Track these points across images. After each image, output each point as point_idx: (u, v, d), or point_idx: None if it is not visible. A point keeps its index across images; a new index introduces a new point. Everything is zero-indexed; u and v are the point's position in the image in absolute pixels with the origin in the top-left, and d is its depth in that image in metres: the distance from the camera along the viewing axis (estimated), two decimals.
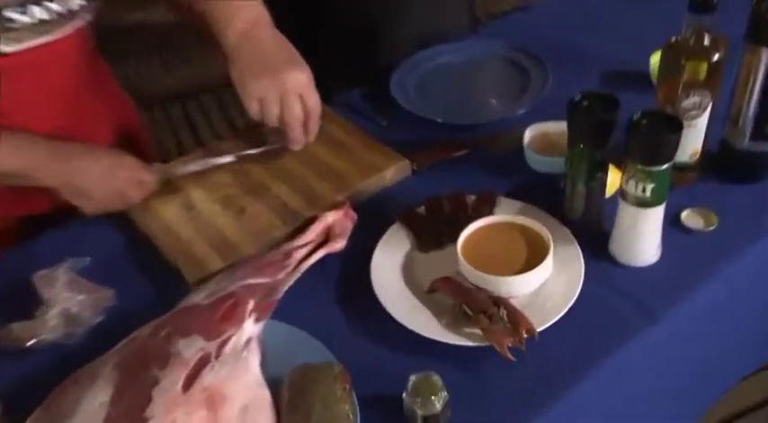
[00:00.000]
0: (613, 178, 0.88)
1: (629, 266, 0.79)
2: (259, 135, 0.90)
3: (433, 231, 0.91)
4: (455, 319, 0.74)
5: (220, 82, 1.12)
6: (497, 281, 0.75)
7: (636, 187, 0.74)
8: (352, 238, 0.81)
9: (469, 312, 0.77)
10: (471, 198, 0.94)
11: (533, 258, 0.82)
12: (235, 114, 1.16)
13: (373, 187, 0.99)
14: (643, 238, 0.78)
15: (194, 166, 0.91)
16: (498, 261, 0.77)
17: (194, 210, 0.86)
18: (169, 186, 0.87)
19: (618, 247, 0.79)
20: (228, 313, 0.67)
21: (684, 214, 0.87)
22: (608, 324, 0.74)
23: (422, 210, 0.94)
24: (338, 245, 0.81)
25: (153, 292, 0.85)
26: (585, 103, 0.74)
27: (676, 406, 0.87)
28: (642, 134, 0.70)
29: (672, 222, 0.78)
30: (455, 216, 0.92)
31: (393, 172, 1.00)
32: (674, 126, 0.70)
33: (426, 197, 0.86)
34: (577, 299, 0.75)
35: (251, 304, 0.69)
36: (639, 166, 0.72)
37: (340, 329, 0.74)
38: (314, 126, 0.97)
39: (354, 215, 0.84)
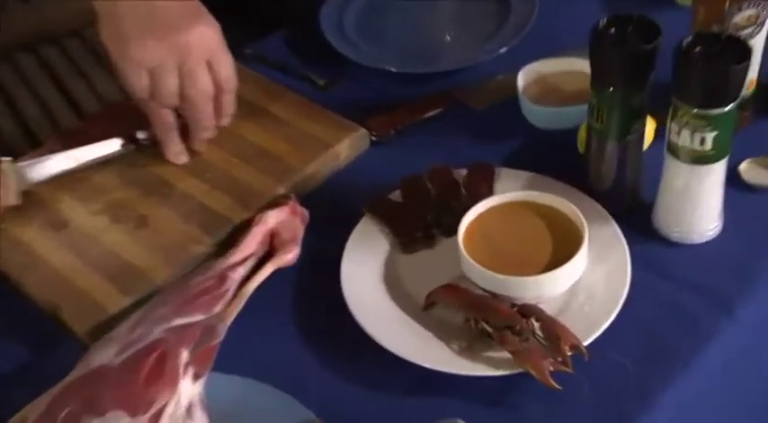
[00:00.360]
0: (648, 130, 0.86)
1: (684, 244, 0.79)
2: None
3: (418, 223, 0.87)
4: (471, 342, 0.72)
5: (71, 27, 0.99)
6: (520, 283, 0.72)
7: (691, 138, 0.72)
8: (308, 244, 0.79)
9: (489, 330, 0.75)
10: (461, 173, 0.91)
11: (562, 247, 0.79)
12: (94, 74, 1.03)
13: (324, 170, 0.95)
14: (701, 204, 0.77)
15: (57, 164, 0.83)
16: (516, 256, 0.75)
17: (68, 228, 0.79)
18: (24, 198, 0.78)
19: (666, 221, 0.79)
20: (155, 373, 0.63)
21: (743, 167, 0.87)
22: (673, 324, 0.74)
23: (396, 195, 0.90)
24: (289, 256, 0.80)
25: (27, 356, 0.77)
26: (614, 29, 0.71)
27: None
28: (699, 66, 0.67)
29: (728, 180, 0.76)
30: (444, 200, 0.89)
31: (347, 147, 0.96)
32: (739, 51, 0.67)
33: (400, 177, 0.89)
34: (627, 295, 0.73)
35: (184, 356, 0.66)
36: (696, 110, 0.70)
37: (313, 373, 0.72)
38: (229, 102, 0.90)
39: (305, 212, 0.82)
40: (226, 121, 0.88)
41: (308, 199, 0.89)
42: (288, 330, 0.75)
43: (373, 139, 0.97)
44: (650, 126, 0.87)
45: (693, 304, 0.75)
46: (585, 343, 0.74)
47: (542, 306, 0.77)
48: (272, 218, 0.80)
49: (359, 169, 0.94)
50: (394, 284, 0.83)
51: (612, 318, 0.76)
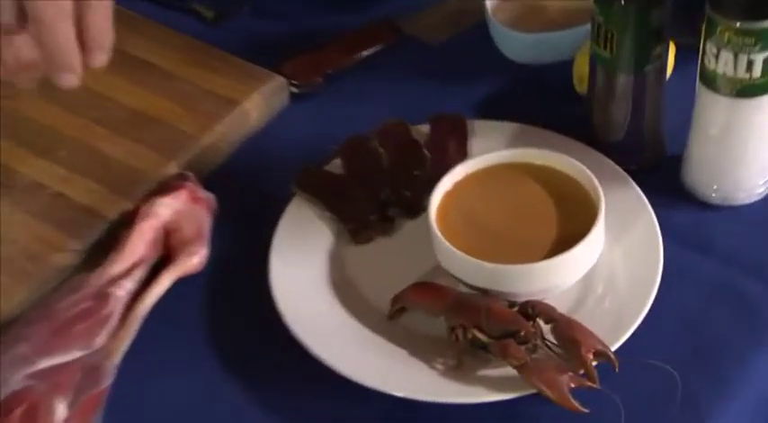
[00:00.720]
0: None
1: (728, 207, 0.80)
2: None
3: (369, 202, 0.85)
4: (459, 358, 0.71)
5: None
6: (519, 273, 0.72)
7: (735, 63, 0.72)
8: (220, 242, 0.79)
9: (483, 339, 0.73)
10: (421, 130, 0.89)
11: (570, 222, 0.77)
12: None
13: (231, 138, 0.91)
14: (747, 153, 0.78)
15: None
16: (510, 237, 0.75)
17: None
18: None
19: (702, 178, 0.80)
20: None
21: None
22: (724, 314, 0.74)
23: (336, 165, 0.88)
24: (194, 259, 0.79)
25: None
26: None
27: None
28: None
29: None
30: (402, 168, 0.86)
31: (259, 103, 0.93)
32: None
33: (338, 141, 0.87)
34: (660, 281, 0.74)
35: (60, 410, 0.66)
36: (740, 24, 0.70)
37: (243, 415, 0.72)
38: (100, 25, 0.79)
39: (210, 198, 0.83)
40: (100, 58, 0.77)
41: (214, 178, 0.87)
42: (202, 362, 0.74)
43: (294, 90, 0.94)
44: (670, 53, 0.86)
45: (746, 286, 0.76)
46: (613, 347, 0.73)
47: (550, 303, 0.76)
48: (164, 208, 0.79)
49: (279, 133, 0.91)
50: (344, 288, 0.80)
51: (645, 312, 0.75)
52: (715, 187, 0.82)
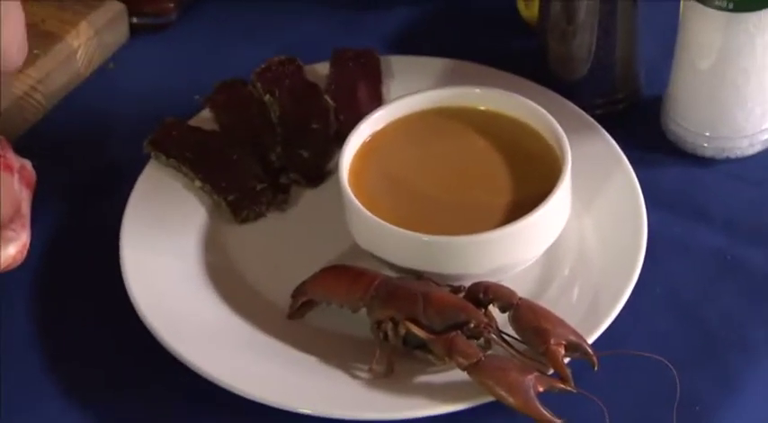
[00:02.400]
0: None
1: (723, 160, 0.87)
2: None
3: (253, 167, 0.89)
4: (389, 362, 0.75)
5: None
6: (463, 247, 0.77)
7: None
8: (48, 225, 0.85)
9: (421, 335, 0.76)
10: (320, 70, 0.93)
11: (526, 181, 0.82)
12: None
13: (53, 83, 0.94)
14: (748, 86, 0.83)
15: None
16: (449, 203, 0.80)
17: None
18: None
19: (688, 123, 0.86)
20: None
21: None
22: (727, 293, 0.80)
23: (204, 119, 0.91)
24: (10, 249, 0.82)
25: None
26: None
27: None
28: None
29: None
30: (296, 120, 0.90)
31: (89, 36, 0.96)
32: None
33: (204, 86, 0.91)
34: (645, 254, 0.79)
35: None
36: None
37: None
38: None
39: (26, 166, 0.86)
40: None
41: (31, 142, 0.90)
42: (40, 387, 0.78)
43: (137, 20, 0.98)
44: None
45: (750, 257, 0.82)
46: (590, 339, 0.77)
47: (504, 284, 0.78)
48: None
49: (119, 79, 0.95)
50: (227, 280, 0.84)
51: (627, 294, 0.80)
52: (707, 134, 0.87)
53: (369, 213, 0.78)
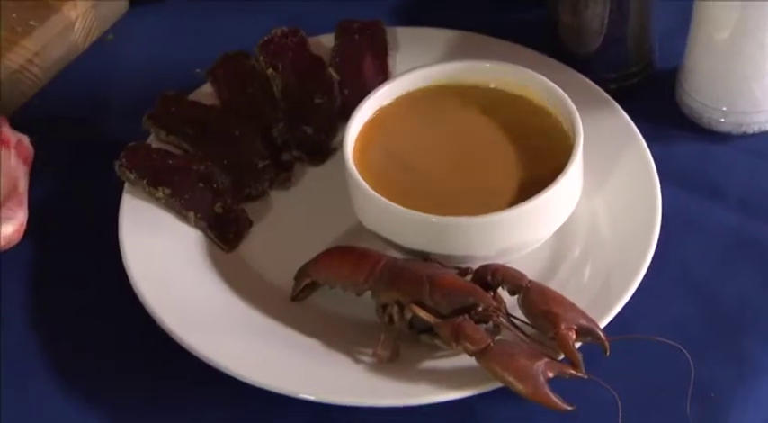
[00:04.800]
0: None
1: (740, 136, 0.87)
2: None
3: (255, 144, 0.88)
4: (394, 346, 0.75)
5: None
6: (470, 228, 0.76)
7: None
8: (44, 204, 0.85)
9: (427, 319, 0.76)
10: (325, 43, 0.92)
11: (537, 160, 0.82)
12: None
13: (49, 56, 0.94)
14: (764, 61, 0.83)
15: None
16: (457, 184, 0.80)
17: None
18: None
19: (705, 98, 0.87)
20: None
21: None
22: (745, 274, 0.80)
23: (205, 93, 0.91)
24: (8, 228, 0.83)
25: None
26: None
27: None
28: None
29: None
30: (300, 95, 0.90)
31: (86, 7, 0.96)
32: None
33: (206, 60, 0.90)
34: (659, 235, 0.79)
35: None
36: None
37: None
38: None
39: (23, 141, 0.86)
40: None
41: (28, 116, 0.90)
42: (34, 367, 0.79)
43: None
44: None
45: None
46: (602, 323, 0.77)
47: (515, 268, 0.79)
48: None
49: (120, 51, 0.95)
50: (228, 260, 0.84)
51: (640, 276, 0.80)
52: (724, 109, 0.87)
53: (374, 193, 0.77)
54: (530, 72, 0.82)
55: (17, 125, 0.84)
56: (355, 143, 0.80)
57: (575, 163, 0.78)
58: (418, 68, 0.83)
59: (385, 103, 0.82)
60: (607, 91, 0.87)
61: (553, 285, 0.78)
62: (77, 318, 0.81)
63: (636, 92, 0.89)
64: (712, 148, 0.87)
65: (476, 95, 0.83)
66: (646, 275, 0.79)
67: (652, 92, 0.89)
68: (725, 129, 0.88)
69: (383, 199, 0.77)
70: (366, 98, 0.81)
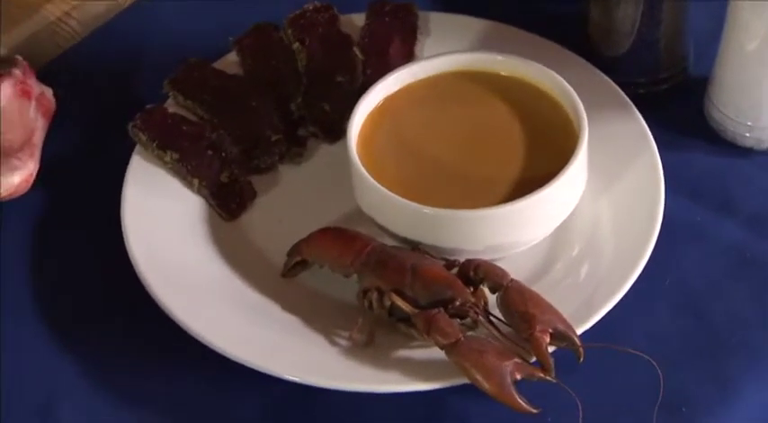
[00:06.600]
0: None
1: (760, 151, 0.87)
2: None
3: (270, 115, 0.89)
4: (371, 332, 0.76)
5: None
6: (465, 221, 0.76)
7: None
8: (56, 155, 0.86)
9: (405, 309, 0.76)
10: (356, 21, 0.93)
11: (541, 155, 0.82)
12: None
13: (85, 11, 0.95)
14: None
15: None
16: (457, 173, 0.79)
17: None
18: None
19: (732, 110, 0.86)
20: None
21: None
22: (740, 294, 0.80)
23: (230, 62, 0.92)
24: (15, 177, 0.84)
25: None
26: None
27: None
28: None
29: None
30: (324, 72, 0.90)
31: None
32: None
33: (237, 28, 0.91)
34: (656, 244, 0.79)
35: None
36: None
37: (90, 402, 0.77)
38: None
39: (47, 93, 0.86)
40: None
41: (56, 69, 0.90)
42: (34, 329, 0.80)
43: None
44: None
45: None
46: (581, 329, 0.76)
47: (502, 266, 0.77)
48: None
49: (152, 14, 0.96)
50: (228, 232, 0.85)
51: (629, 284, 0.79)
52: (749, 124, 0.86)
53: (371, 179, 0.78)
54: (540, 66, 0.82)
55: (47, 76, 0.85)
56: (361, 129, 0.81)
57: (576, 161, 0.78)
58: (427, 59, 0.84)
59: (393, 90, 0.83)
60: (635, 95, 0.86)
61: (544, 284, 0.79)
62: (71, 269, 0.84)
63: (665, 98, 0.88)
64: (731, 162, 0.86)
65: (488, 85, 0.83)
66: (640, 282, 0.79)
67: (682, 99, 0.88)
68: (748, 143, 0.87)
69: (378, 185, 0.78)
70: (374, 84, 0.82)
